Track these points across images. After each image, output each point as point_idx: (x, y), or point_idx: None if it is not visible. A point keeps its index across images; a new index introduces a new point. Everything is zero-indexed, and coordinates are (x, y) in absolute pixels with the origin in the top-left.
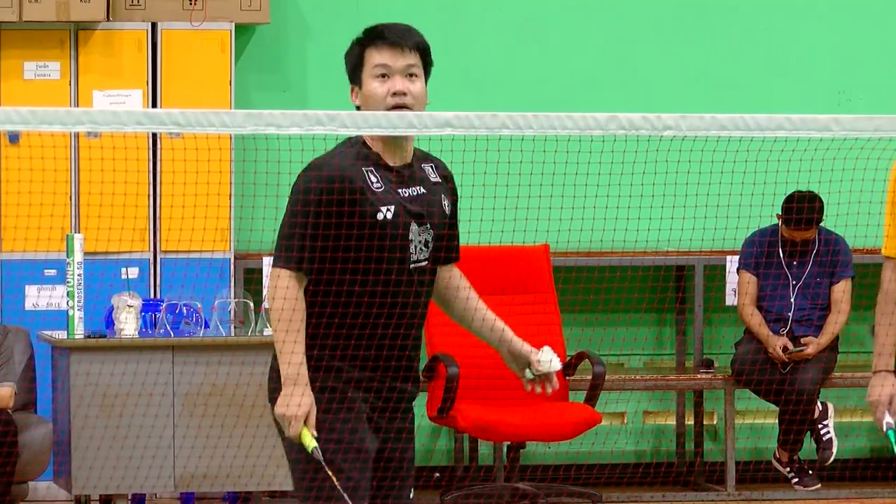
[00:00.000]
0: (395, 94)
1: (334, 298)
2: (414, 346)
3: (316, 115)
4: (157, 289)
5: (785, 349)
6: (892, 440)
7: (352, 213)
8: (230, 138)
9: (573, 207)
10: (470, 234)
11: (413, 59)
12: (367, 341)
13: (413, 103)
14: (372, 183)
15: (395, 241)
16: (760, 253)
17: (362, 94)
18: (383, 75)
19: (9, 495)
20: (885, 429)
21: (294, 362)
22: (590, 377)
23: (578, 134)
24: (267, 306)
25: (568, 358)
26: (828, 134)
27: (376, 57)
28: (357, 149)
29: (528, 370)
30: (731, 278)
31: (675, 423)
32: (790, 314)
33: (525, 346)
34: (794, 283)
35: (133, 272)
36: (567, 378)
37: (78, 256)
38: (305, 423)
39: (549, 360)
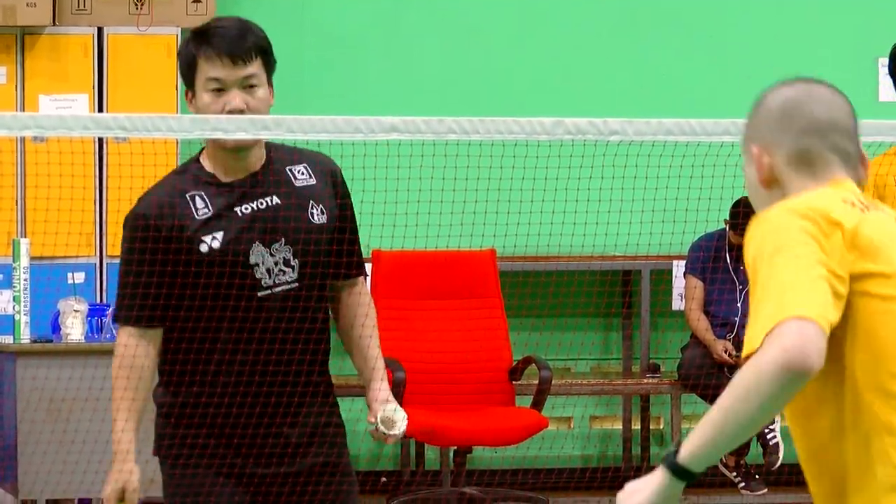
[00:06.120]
0: (230, 111)
1: (186, 345)
2: (307, 384)
3: (262, 120)
4: (104, 293)
5: (727, 352)
6: None
7: (178, 251)
8: (176, 143)
9: (520, 212)
10: (416, 239)
11: (252, 67)
12: (222, 389)
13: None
14: (196, 210)
15: (234, 268)
16: (707, 258)
17: (196, 104)
18: (218, 89)
19: None
20: None
21: (116, 432)
22: (536, 382)
23: (525, 139)
24: None
25: (515, 363)
26: None
27: (209, 69)
28: (188, 173)
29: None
30: (678, 283)
31: (621, 427)
32: (737, 319)
33: (375, 394)
34: (740, 287)
35: (79, 277)
36: (514, 383)
37: (24, 261)
38: (123, 500)
39: (397, 418)
